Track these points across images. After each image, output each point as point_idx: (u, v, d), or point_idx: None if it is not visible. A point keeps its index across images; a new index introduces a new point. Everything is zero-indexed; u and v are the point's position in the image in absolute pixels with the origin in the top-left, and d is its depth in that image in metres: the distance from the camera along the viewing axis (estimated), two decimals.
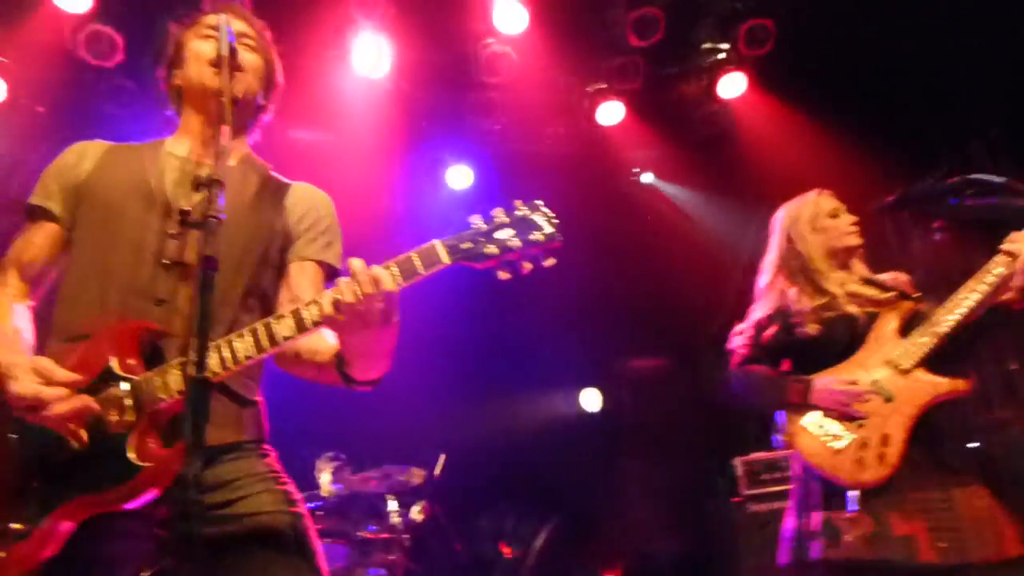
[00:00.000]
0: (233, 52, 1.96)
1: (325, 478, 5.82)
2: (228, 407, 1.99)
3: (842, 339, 2.99)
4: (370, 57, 5.49)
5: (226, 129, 1.76)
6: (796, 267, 3.21)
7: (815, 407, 2.89)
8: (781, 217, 3.35)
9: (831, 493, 2.79)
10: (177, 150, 2.21)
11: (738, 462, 5.35)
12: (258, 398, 2.13)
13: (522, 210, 1.88)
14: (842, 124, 5.71)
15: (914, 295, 3.04)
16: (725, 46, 5.92)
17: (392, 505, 5.62)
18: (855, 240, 3.19)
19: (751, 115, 6.30)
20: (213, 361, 1.78)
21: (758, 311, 3.23)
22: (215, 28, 2.09)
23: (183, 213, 1.70)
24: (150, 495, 1.75)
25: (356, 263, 1.76)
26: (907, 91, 5.78)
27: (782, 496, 5.02)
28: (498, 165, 6.76)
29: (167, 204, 2.04)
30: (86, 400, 1.75)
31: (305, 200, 2.28)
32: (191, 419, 1.50)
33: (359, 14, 5.21)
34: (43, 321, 2.07)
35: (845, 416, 2.82)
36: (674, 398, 7.13)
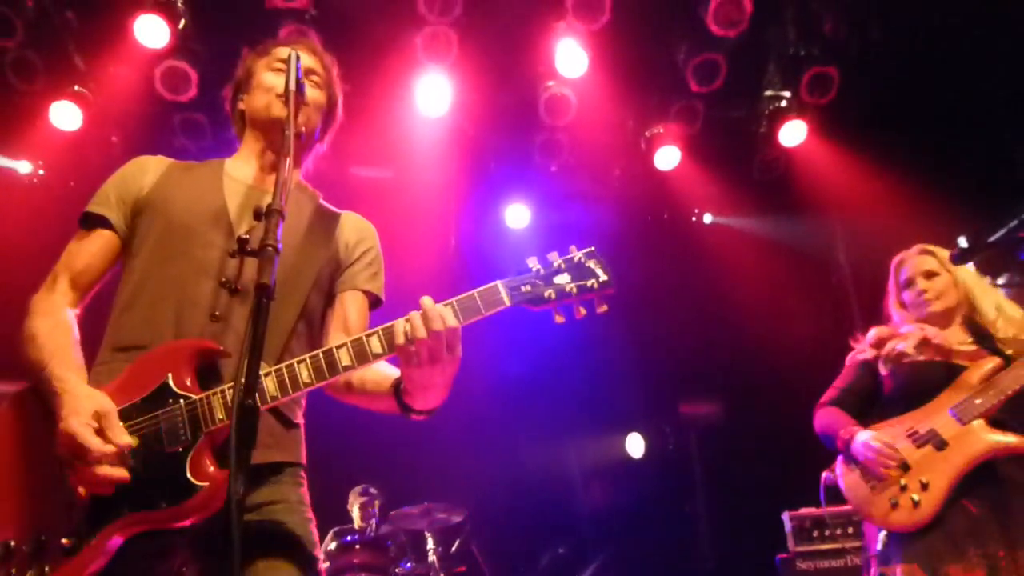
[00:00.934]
0: (300, 87, 2.01)
1: (356, 512, 5.83)
2: (275, 428, 2.01)
3: (921, 383, 3.02)
4: (433, 97, 5.60)
5: (288, 161, 1.80)
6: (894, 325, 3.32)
7: (854, 458, 2.97)
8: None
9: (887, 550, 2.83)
10: (237, 173, 2.24)
11: (787, 517, 5.20)
12: (300, 421, 2.15)
13: (578, 256, 1.94)
14: (905, 173, 5.62)
15: (1008, 352, 3.00)
16: (787, 93, 5.90)
17: (430, 543, 5.59)
18: (930, 308, 3.20)
19: (811, 162, 6.23)
20: (272, 385, 1.81)
21: (855, 352, 3.32)
22: (285, 61, 2.16)
23: (241, 241, 1.72)
24: (204, 515, 1.74)
25: (427, 301, 1.80)
26: (971, 141, 5.68)
27: (831, 555, 4.90)
28: (556, 205, 6.80)
29: (230, 226, 2.07)
30: (123, 474, 1.72)
31: (355, 230, 2.31)
32: (236, 445, 1.51)
33: (425, 56, 5.32)
34: (87, 326, 2.09)
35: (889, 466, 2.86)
36: (726, 444, 6.98)
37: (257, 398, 1.58)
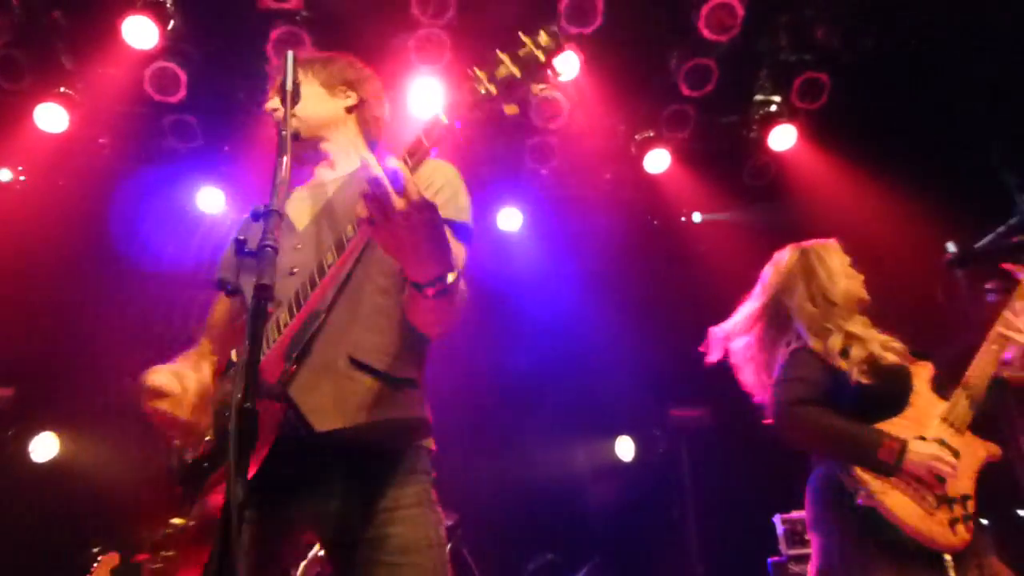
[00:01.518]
0: (296, 88, 1.99)
1: None
2: (378, 388, 2.06)
3: (895, 387, 2.90)
4: (425, 99, 5.58)
5: (285, 161, 1.78)
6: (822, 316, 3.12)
7: (902, 471, 2.68)
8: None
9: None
10: (325, 177, 2.48)
11: (779, 520, 5.21)
12: (412, 375, 2.17)
13: (522, 43, 1.87)
14: (895, 178, 5.66)
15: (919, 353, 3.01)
16: (777, 98, 5.92)
17: None
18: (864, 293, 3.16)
19: (802, 167, 6.26)
20: (284, 316, 2.03)
21: (805, 348, 3.06)
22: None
23: (238, 243, 1.70)
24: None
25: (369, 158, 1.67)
26: (960, 148, 5.72)
27: None
28: (547, 208, 6.79)
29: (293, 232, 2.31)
30: (182, 416, 2.07)
31: (424, 176, 2.27)
32: (236, 448, 1.49)
33: (418, 58, 5.31)
34: None
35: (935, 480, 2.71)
36: (716, 447, 6.99)
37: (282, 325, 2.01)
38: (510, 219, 6.77)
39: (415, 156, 1.84)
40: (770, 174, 6.44)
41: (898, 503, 2.64)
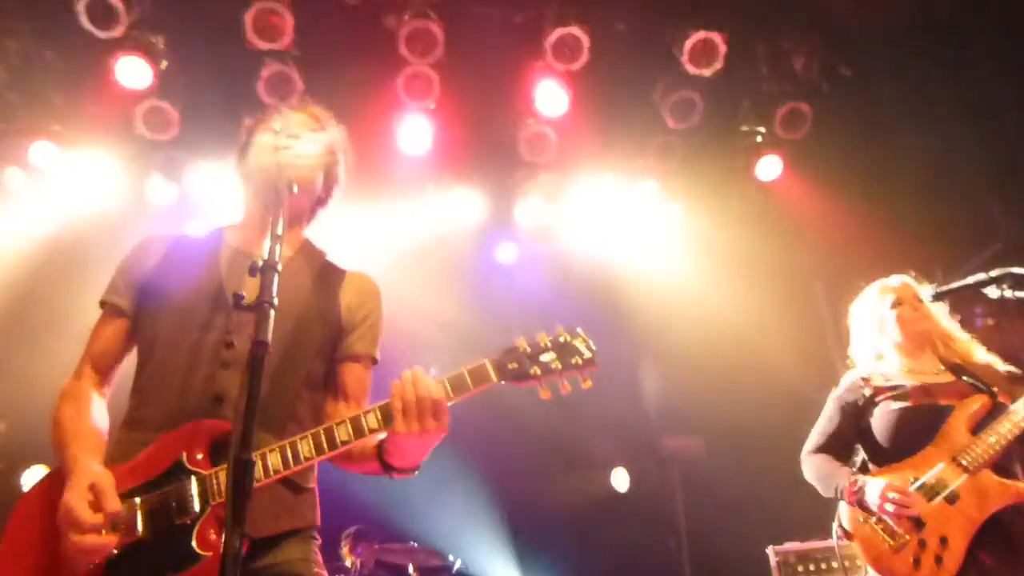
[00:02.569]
0: (299, 140, 2.03)
1: (344, 550, 5.78)
2: (284, 496, 2.05)
3: (912, 430, 2.97)
4: (414, 136, 5.65)
5: (281, 215, 1.82)
6: (867, 358, 3.29)
7: (866, 509, 2.87)
8: (854, 308, 3.42)
9: None
10: (235, 240, 2.30)
11: (771, 551, 5.21)
12: (312, 486, 2.19)
13: (564, 336, 2.06)
14: (879, 206, 5.74)
15: (993, 388, 2.99)
16: (762, 129, 6.01)
17: None
18: (919, 326, 3.19)
19: (788, 196, 6.34)
20: (275, 460, 1.89)
21: (834, 397, 3.27)
22: (279, 122, 2.25)
23: (236, 297, 1.73)
24: None
25: (414, 375, 1.91)
26: (942, 175, 5.80)
27: None
28: (537, 242, 6.85)
29: (227, 303, 2.12)
30: (109, 544, 1.82)
31: (358, 292, 2.34)
32: (232, 498, 1.52)
33: (407, 96, 5.38)
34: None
35: (903, 518, 2.77)
36: (709, 478, 7.00)
37: (262, 472, 1.83)
38: (507, 252, 6.83)
39: (457, 392, 1.97)
40: (757, 203, 6.51)
41: (865, 538, 2.86)
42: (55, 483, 1.96)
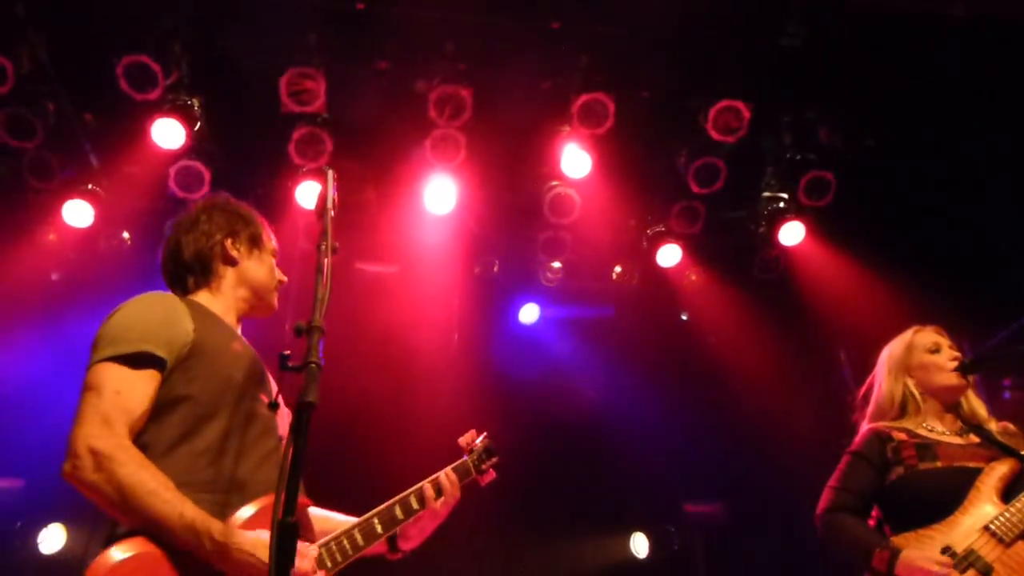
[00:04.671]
0: (335, 205, 2.08)
1: None
2: None
3: (939, 493, 2.82)
4: (440, 196, 5.73)
5: (327, 277, 1.85)
6: (888, 407, 3.11)
7: None
8: (882, 355, 3.25)
9: None
10: (227, 318, 2.42)
11: None
12: None
13: (485, 442, 2.83)
14: (903, 274, 5.72)
15: (1021, 452, 2.87)
16: (785, 195, 6.05)
17: None
18: (953, 378, 3.03)
19: (811, 262, 6.35)
20: (359, 537, 2.28)
21: (853, 452, 3.08)
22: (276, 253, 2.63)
23: (283, 357, 1.74)
24: None
25: (451, 475, 2.62)
26: (967, 245, 5.80)
27: None
28: (561, 300, 6.88)
29: (268, 382, 2.32)
30: None
31: None
32: (278, 564, 1.51)
33: (433, 157, 5.47)
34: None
35: None
36: (732, 545, 6.87)
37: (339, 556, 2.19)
38: (529, 313, 6.85)
39: (463, 480, 2.67)
40: (779, 268, 6.52)
41: None
42: (151, 563, 1.87)
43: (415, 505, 2.44)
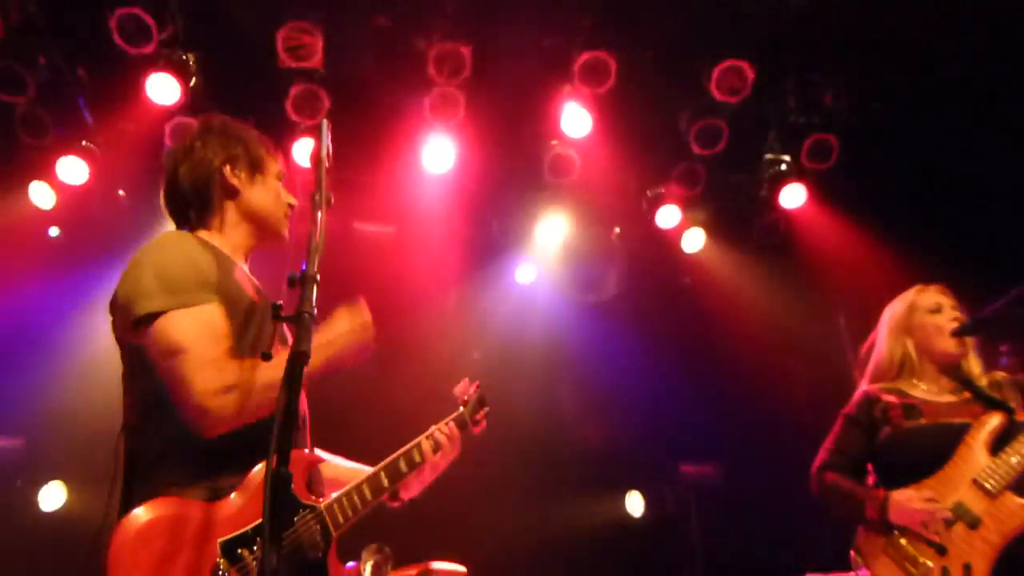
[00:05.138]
0: (329, 156, 2.02)
1: (368, 571, 5.71)
2: None
3: (926, 450, 2.87)
4: (439, 155, 5.68)
5: (321, 226, 1.81)
6: (887, 367, 3.14)
7: (892, 525, 2.75)
8: (884, 314, 3.27)
9: None
10: (236, 256, 2.28)
11: None
12: None
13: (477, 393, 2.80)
14: (903, 238, 5.69)
15: (1011, 404, 2.90)
16: (787, 158, 6.00)
17: None
18: (952, 343, 3.04)
19: (811, 225, 6.31)
20: (368, 490, 2.25)
21: (845, 414, 3.14)
22: (285, 176, 2.45)
23: (275, 307, 1.71)
24: None
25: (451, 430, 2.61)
26: (967, 209, 5.76)
27: None
28: (561, 261, 6.85)
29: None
30: None
31: None
32: (270, 512, 1.50)
33: (432, 116, 5.41)
34: None
35: (926, 541, 2.67)
36: (726, 506, 6.92)
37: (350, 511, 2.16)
38: (526, 273, 6.82)
39: (461, 431, 2.68)
40: (780, 231, 6.49)
41: (883, 568, 2.75)
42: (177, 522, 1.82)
43: (417, 458, 2.43)
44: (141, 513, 1.81)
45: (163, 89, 5.20)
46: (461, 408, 2.69)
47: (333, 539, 2.06)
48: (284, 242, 2.40)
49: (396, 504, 2.50)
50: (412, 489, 2.51)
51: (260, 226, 2.33)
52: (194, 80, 5.30)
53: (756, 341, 6.52)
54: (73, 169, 5.57)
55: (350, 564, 5.67)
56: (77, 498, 6.14)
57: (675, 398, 6.72)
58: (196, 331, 1.91)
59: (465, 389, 2.73)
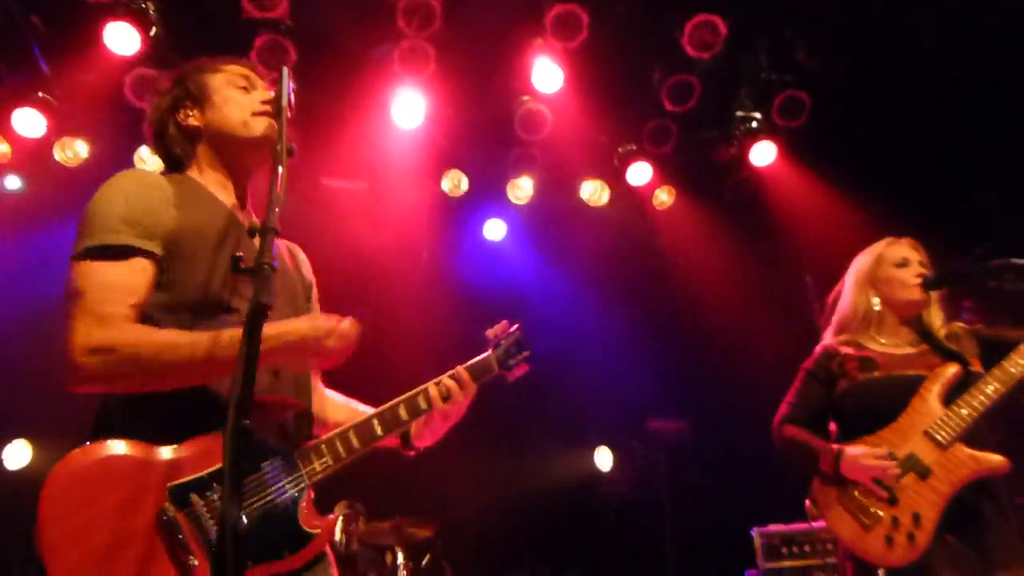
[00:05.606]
0: (291, 103, 1.97)
1: (338, 525, 5.75)
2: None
3: (881, 401, 2.90)
4: (408, 110, 5.59)
5: (282, 176, 1.76)
6: (850, 318, 3.15)
7: (845, 479, 2.80)
8: (852, 266, 3.27)
9: (864, 572, 2.72)
10: (218, 194, 2.16)
11: (756, 533, 5.25)
12: None
13: (517, 334, 2.52)
14: (871, 197, 5.72)
15: (965, 356, 2.93)
16: (758, 115, 5.99)
17: (400, 558, 5.54)
18: (915, 294, 3.04)
19: (781, 183, 6.33)
20: (355, 439, 2.10)
21: (806, 368, 3.15)
22: (248, 78, 2.24)
23: (235, 259, 1.66)
24: (313, 558, 1.97)
25: (464, 372, 2.32)
26: (936, 168, 5.81)
27: (799, 571, 4.96)
28: (530, 218, 6.82)
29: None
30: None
31: (304, 258, 2.51)
32: (231, 470, 1.47)
33: (402, 69, 5.31)
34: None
35: (877, 491, 2.73)
36: (695, 460, 7.04)
37: (343, 450, 2.06)
38: (495, 229, 6.78)
39: (481, 378, 2.36)
40: (750, 189, 6.50)
41: (837, 517, 2.81)
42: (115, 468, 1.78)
43: (423, 404, 2.21)
44: (78, 454, 1.77)
45: (122, 39, 5.04)
46: (490, 351, 2.39)
47: (308, 486, 1.97)
48: (267, 142, 2.14)
49: (411, 453, 2.38)
50: (425, 438, 2.35)
51: (232, 143, 2.18)
52: (154, 30, 5.14)
53: (724, 298, 6.58)
54: (29, 121, 5.41)
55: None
56: (41, 455, 6.09)
57: (643, 355, 6.77)
58: (97, 280, 1.84)
59: (500, 331, 2.46)
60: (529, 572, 7.12)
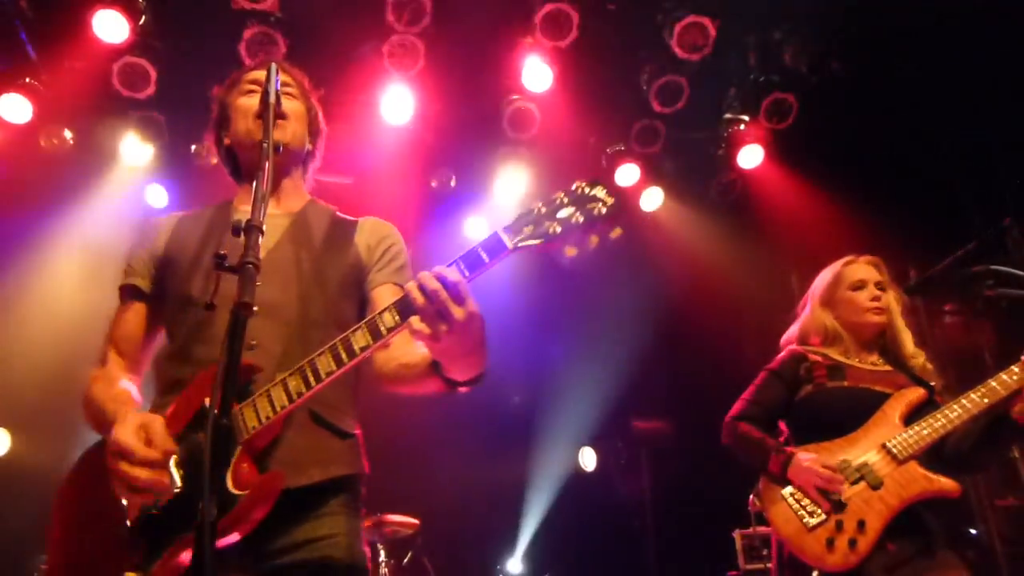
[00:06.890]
0: (278, 98, 1.96)
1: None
2: (329, 441, 2.03)
3: (843, 411, 2.92)
4: (397, 106, 5.58)
5: (267, 174, 1.75)
6: (811, 333, 3.19)
7: (790, 482, 2.80)
8: (816, 281, 3.31)
9: (800, 572, 2.73)
10: (244, 206, 2.27)
11: (737, 535, 5.29)
12: (356, 431, 2.14)
13: (581, 187, 1.85)
14: (857, 200, 5.77)
15: (932, 382, 2.97)
16: (746, 117, 6.02)
17: (382, 555, 5.54)
18: (872, 318, 3.08)
19: (768, 185, 6.36)
20: (296, 383, 1.81)
21: (770, 369, 3.17)
22: (256, 82, 2.27)
23: (219, 257, 1.62)
24: (248, 523, 1.79)
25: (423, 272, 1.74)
26: (921, 172, 5.85)
27: None
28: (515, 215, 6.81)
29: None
30: (165, 480, 1.77)
31: (374, 231, 2.34)
32: (209, 466, 1.48)
33: (391, 64, 5.30)
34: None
35: (820, 501, 2.73)
36: (677, 461, 7.06)
37: (285, 398, 1.80)
38: (478, 228, 6.78)
39: (472, 268, 1.76)
40: (736, 191, 6.53)
41: (779, 514, 2.79)
42: (89, 467, 1.97)
43: (388, 321, 1.77)
44: (81, 455, 1.99)
45: (111, 26, 5.02)
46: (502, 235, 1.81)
47: (239, 444, 1.81)
48: (259, 144, 1.89)
49: (464, 389, 1.94)
50: (454, 366, 1.88)
51: (247, 151, 2.29)
52: (143, 18, 5.12)
53: (710, 299, 6.60)
54: (15, 107, 5.37)
55: None
56: (21, 444, 6.05)
57: (627, 354, 6.79)
58: (114, 318, 2.26)
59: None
60: (511, 571, 7.14)
